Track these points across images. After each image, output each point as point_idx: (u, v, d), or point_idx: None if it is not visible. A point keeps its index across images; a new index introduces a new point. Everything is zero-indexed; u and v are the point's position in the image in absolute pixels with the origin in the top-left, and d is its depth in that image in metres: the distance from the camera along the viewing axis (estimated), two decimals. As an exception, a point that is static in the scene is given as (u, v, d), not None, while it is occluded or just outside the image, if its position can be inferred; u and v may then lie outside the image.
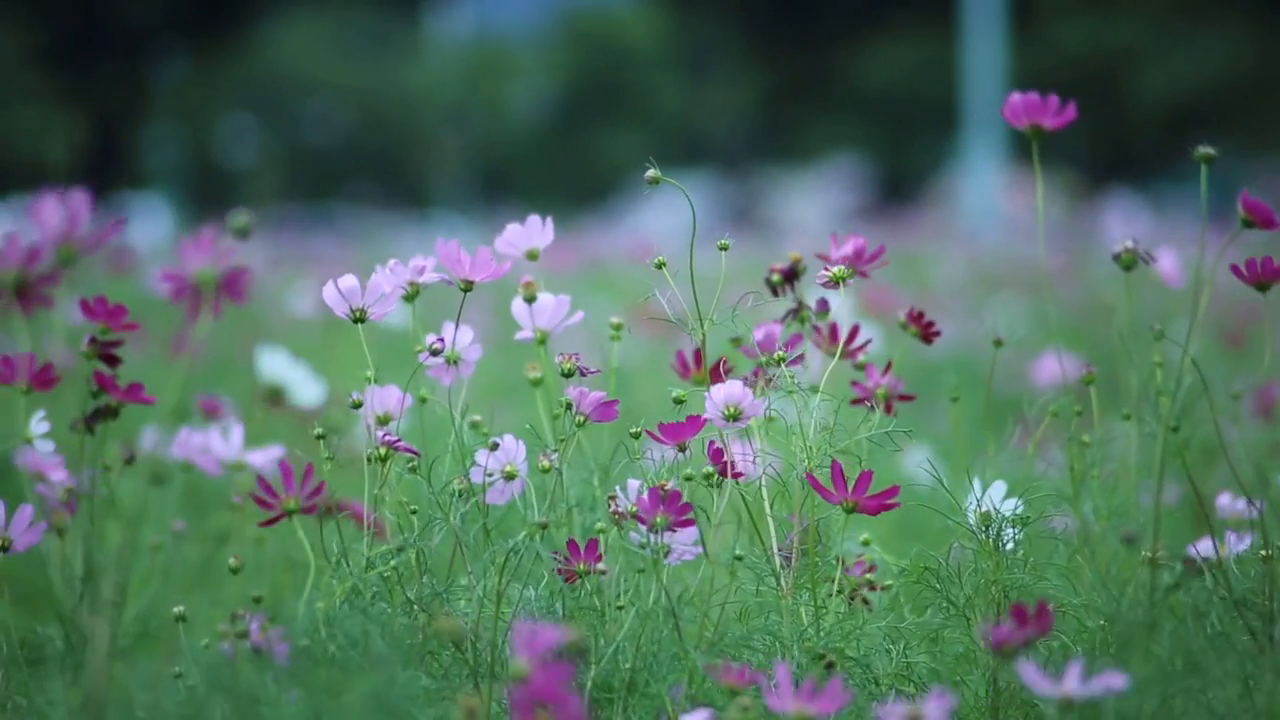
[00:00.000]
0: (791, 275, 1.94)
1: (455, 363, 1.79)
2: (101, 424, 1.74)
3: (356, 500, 1.81)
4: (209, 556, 2.54)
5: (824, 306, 1.94)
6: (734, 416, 1.72)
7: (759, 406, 1.72)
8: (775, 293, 1.93)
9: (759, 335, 1.88)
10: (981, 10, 16.28)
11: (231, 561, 1.79)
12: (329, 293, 1.77)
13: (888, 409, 1.89)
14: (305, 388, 2.46)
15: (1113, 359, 1.93)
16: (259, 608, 1.71)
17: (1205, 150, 1.72)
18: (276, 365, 2.45)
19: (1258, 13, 24.93)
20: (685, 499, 1.67)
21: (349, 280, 1.76)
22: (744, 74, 27.91)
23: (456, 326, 1.79)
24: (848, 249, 1.84)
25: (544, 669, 1.34)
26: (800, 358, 1.83)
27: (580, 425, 1.73)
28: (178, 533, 2.37)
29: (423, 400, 1.80)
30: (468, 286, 1.79)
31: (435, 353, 1.78)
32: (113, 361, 1.73)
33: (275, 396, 2.40)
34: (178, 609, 1.73)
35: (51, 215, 1.50)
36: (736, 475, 1.72)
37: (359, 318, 1.77)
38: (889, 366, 1.92)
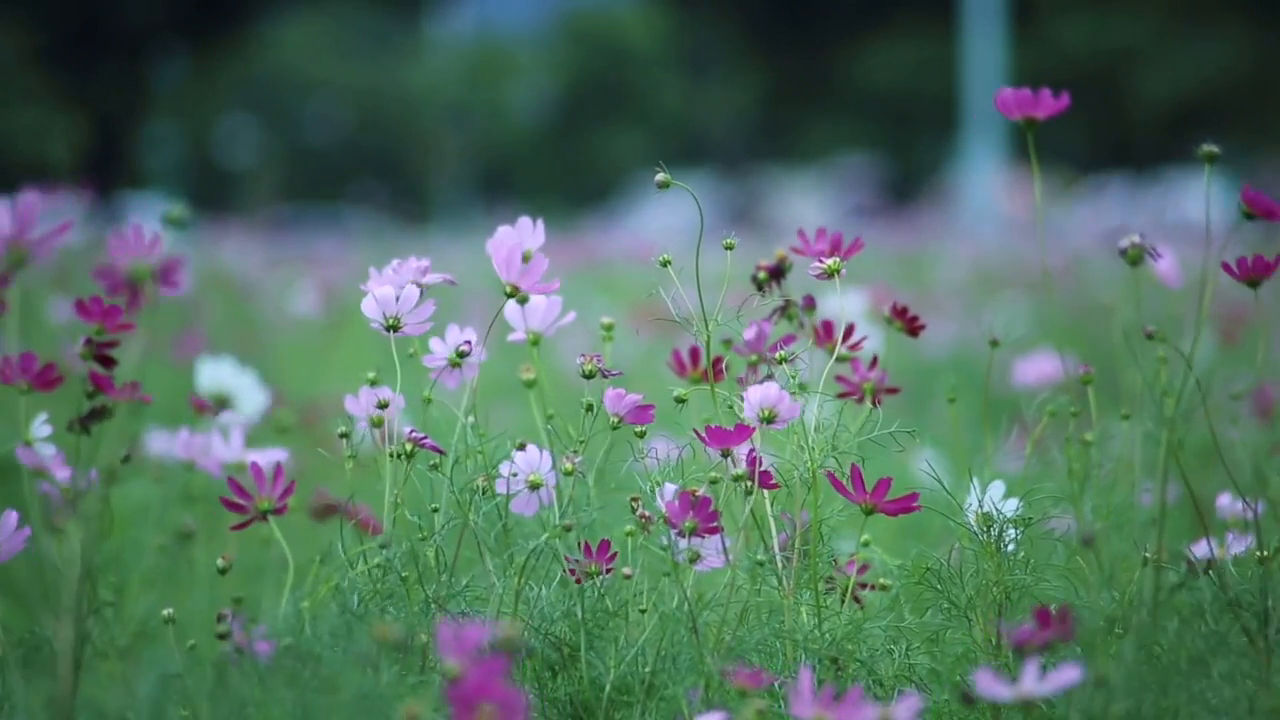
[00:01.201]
0: (778, 273, 1.95)
1: (458, 364, 1.78)
2: (98, 424, 1.73)
3: (357, 500, 1.80)
4: (212, 557, 2.53)
5: (810, 303, 1.95)
6: (769, 419, 1.71)
7: (796, 409, 1.71)
8: (761, 290, 1.94)
9: (749, 333, 1.88)
10: (981, 10, 16.28)
11: (220, 562, 1.78)
12: (368, 305, 1.76)
13: (875, 402, 1.89)
14: (250, 395, 2.46)
15: (1111, 358, 1.93)
16: (245, 608, 1.70)
17: (1209, 148, 1.72)
18: (218, 375, 2.45)
19: (1258, 13, 24.93)
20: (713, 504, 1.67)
21: (385, 290, 1.75)
22: (744, 74, 27.91)
23: (492, 326, 1.78)
24: (823, 243, 1.84)
25: (477, 666, 1.32)
26: (793, 356, 1.83)
27: (615, 427, 1.73)
28: (185, 532, 2.36)
29: (428, 401, 1.80)
30: (514, 292, 1.78)
31: (463, 355, 1.77)
32: (108, 362, 1.73)
33: (221, 405, 2.40)
34: (166, 610, 1.72)
35: (2, 218, 1.50)
36: (773, 485, 1.72)
37: (393, 326, 1.76)
38: (875, 361, 1.93)
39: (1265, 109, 24.37)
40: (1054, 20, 25.14)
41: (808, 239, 1.84)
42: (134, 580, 2.31)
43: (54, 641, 1.54)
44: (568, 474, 1.71)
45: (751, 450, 1.71)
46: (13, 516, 1.70)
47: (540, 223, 1.84)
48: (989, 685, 1.45)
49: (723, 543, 1.71)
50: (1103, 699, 1.52)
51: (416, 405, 1.80)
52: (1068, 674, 1.44)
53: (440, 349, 1.79)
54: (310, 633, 1.56)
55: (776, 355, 1.76)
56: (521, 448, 1.73)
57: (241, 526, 1.74)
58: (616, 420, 1.73)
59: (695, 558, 1.66)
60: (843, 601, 1.77)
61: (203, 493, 2.58)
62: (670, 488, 1.71)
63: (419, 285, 1.78)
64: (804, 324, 1.94)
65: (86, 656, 1.65)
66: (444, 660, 1.33)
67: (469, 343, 1.77)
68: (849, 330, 1.86)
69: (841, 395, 1.90)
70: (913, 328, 1.95)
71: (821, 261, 1.79)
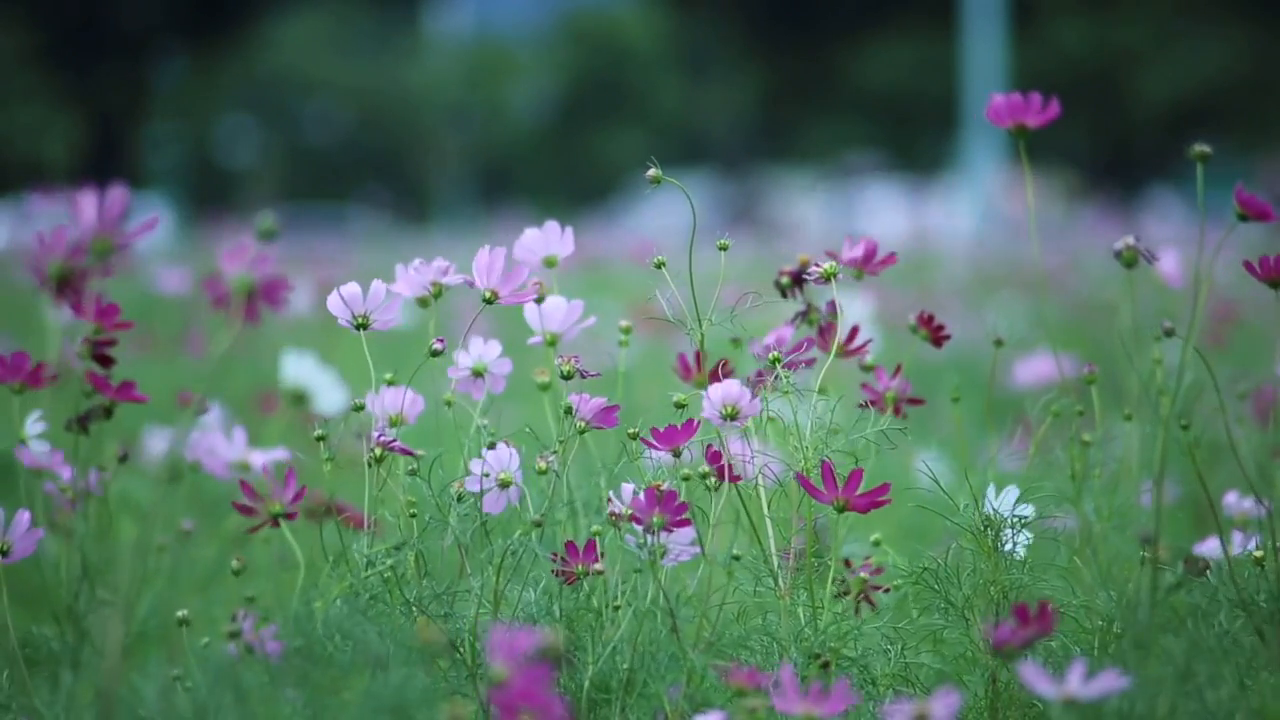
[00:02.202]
0: (800, 278, 1.93)
1: (482, 374, 1.77)
2: (96, 423, 1.73)
3: (357, 502, 1.80)
4: (216, 557, 2.53)
5: (834, 309, 1.92)
6: (731, 416, 1.71)
7: (756, 406, 1.71)
8: (785, 295, 1.92)
9: (770, 339, 1.86)
10: (981, 10, 16.29)
11: (234, 564, 1.78)
12: (333, 301, 1.74)
13: (896, 412, 1.87)
14: (329, 393, 2.45)
15: (1111, 358, 1.93)
16: (256, 608, 1.70)
17: (1200, 148, 1.72)
18: (301, 369, 2.44)
19: (1257, 13, 24.95)
20: (682, 500, 1.67)
21: (351, 287, 1.74)
22: (744, 74, 27.92)
23: (472, 327, 1.77)
24: (858, 251, 1.82)
25: (524, 672, 1.34)
26: (811, 360, 1.82)
27: (582, 431, 1.72)
28: (185, 533, 2.37)
29: (448, 404, 1.79)
30: (493, 298, 1.76)
31: (435, 354, 1.76)
32: (106, 361, 1.73)
33: (298, 401, 2.40)
34: (181, 612, 1.72)
35: (88, 210, 1.49)
36: (734, 478, 1.71)
37: (361, 324, 1.74)
38: (899, 369, 1.90)
39: (1265, 109, 24.38)
40: (1054, 21, 25.15)
41: (851, 243, 1.83)
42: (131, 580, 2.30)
43: (102, 638, 1.54)
44: (541, 473, 1.71)
45: (710, 445, 1.71)
46: (25, 516, 1.69)
47: (569, 230, 1.83)
48: (1035, 679, 1.45)
49: (697, 536, 1.71)
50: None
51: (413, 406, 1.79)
52: (1113, 681, 1.44)
53: (465, 360, 1.78)
54: (321, 632, 1.56)
55: (772, 357, 1.75)
56: (491, 446, 1.72)
57: (254, 530, 1.73)
58: (584, 425, 1.72)
59: (661, 553, 1.66)
60: (856, 605, 1.77)
61: (197, 491, 2.58)
62: (628, 486, 1.71)
63: (440, 285, 1.77)
64: (825, 329, 1.91)
65: (85, 656, 1.65)
66: (493, 664, 1.34)
67: (441, 341, 1.76)
68: (852, 333, 1.85)
69: (864, 404, 1.88)
70: (937, 337, 1.92)
71: (818, 266, 1.79)
